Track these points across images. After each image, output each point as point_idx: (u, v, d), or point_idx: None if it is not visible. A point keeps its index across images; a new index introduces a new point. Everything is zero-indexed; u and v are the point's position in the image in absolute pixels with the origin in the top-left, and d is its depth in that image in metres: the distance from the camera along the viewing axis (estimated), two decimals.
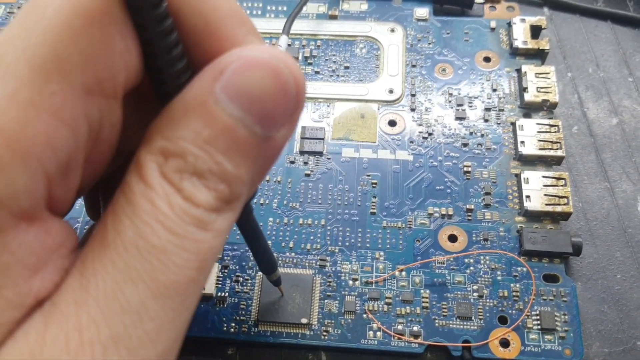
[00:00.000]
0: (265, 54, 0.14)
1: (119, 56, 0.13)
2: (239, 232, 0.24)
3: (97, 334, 0.13)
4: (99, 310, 0.13)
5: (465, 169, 0.32)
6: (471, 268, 0.29)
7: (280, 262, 0.29)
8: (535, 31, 0.35)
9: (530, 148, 0.31)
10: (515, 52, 0.35)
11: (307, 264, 0.29)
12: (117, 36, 0.13)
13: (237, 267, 0.29)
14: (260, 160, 0.15)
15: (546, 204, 0.29)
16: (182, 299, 0.14)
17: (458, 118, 0.33)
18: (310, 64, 0.36)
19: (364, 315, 0.28)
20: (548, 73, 0.33)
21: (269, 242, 0.30)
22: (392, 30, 0.37)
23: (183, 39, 0.14)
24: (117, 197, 0.14)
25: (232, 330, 0.28)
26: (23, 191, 0.12)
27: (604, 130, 0.34)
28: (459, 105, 0.34)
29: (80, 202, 0.30)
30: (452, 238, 0.30)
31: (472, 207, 0.30)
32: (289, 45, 0.36)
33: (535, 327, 0.27)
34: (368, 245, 0.30)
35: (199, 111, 0.14)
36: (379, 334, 0.27)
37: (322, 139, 0.33)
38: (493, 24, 0.36)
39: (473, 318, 0.27)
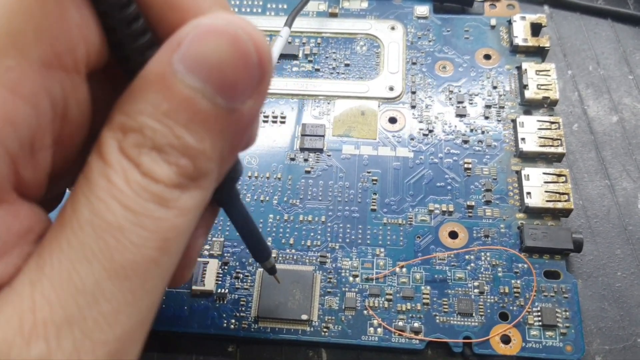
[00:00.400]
0: (222, 20, 0.13)
1: (76, 29, 0.13)
2: None
3: (51, 314, 0.12)
4: (52, 291, 0.12)
5: (465, 165, 0.32)
6: (472, 264, 0.29)
7: (280, 258, 0.29)
8: (536, 29, 0.35)
9: (530, 145, 0.31)
10: (515, 50, 0.35)
11: (307, 261, 0.29)
12: (71, 8, 0.13)
13: (237, 263, 0.29)
14: (228, 134, 0.14)
15: (547, 201, 0.29)
16: (142, 281, 0.13)
17: (458, 115, 0.33)
18: (310, 61, 0.36)
19: (365, 312, 0.28)
20: (548, 70, 0.33)
21: (269, 238, 0.30)
22: (393, 28, 0.37)
23: (145, 13, 0.14)
24: (79, 177, 0.14)
25: (232, 326, 0.27)
26: None
27: (604, 128, 0.34)
28: (459, 102, 0.34)
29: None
30: (453, 234, 0.30)
31: (473, 203, 0.30)
32: (289, 42, 0.36)
33: (537, 323, 0.27)
34: (368, 241, 0.30)
35: (157, 84, 0.13)
36: (379, 330, 0.27)
37: (323, 136, 0.33)
38: (493, 22, 0.36)
39: (474, 314, 0.27)
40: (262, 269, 0.29)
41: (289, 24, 0.34)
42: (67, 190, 0.19)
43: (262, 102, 0.15)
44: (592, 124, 0.34)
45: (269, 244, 0.30)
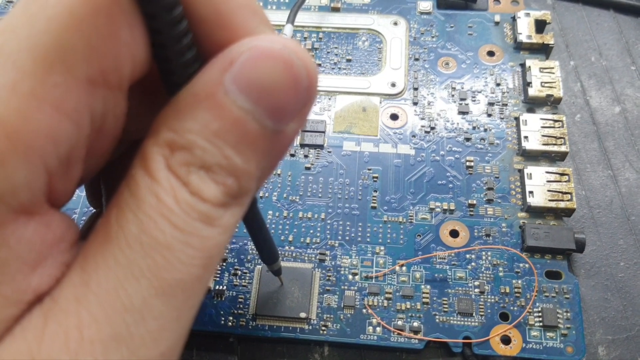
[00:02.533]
0: (277, 44, 0.13)
1: (125, 47, 0.13)
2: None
3: (98, 332, 0.12)
4: (100, 308, 0.12)
5: (467, 163, 0.31)
6: (473, 264, 0.28)
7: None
8: (540, 26, 0.35)
9: (533, 143, 0.31)
10: (519, 47, 0.35)
11: (306, 258, 0.29)
12: (123, 26, 0.13)
13: (236, 260, 0.29)
14: (271, 154, 0.14)
15: (549, 200, 0.29)
16: (187, 297, 0.13)
17: (461, 112, 0.33)
18: (312, 56, 0.35)
19: (364, 310, 0.27)
20: (552, 68, 0.33)
21: None
22: (395, 23, 0.36)
23: (193, 28, 0.14)
24: (122, 190, 0.13)
25: (230, 323, 0.27)
26: (22, 186, 0.12)
27: (606, 119, 0.34)
28: (462, 99, 0.33)
29: (77, 193, 0.30)
30: (454, 233, 0.29)
31: (475, 202, 0.30)
32: (290, 37, 0.36)
33: (537, 324, 0.27)
34: (368, 239, 0.29)
35: (207, 103, 0.13)
36: (378, 329, 0.27)
37: (323, 132, 0.33)
38: (497, 18, 0.36)
39: (474, 314, 0.27)
40: (260, 266, 0.28)
41: (291, 20, 0.33)
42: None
43: (303, 123, 0.16)
44: (594, 114, 0.34)
45: None
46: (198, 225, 0.13)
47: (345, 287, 0.28)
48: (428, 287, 0.28)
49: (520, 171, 0.31)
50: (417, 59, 0.35)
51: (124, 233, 0.13)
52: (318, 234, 0.30)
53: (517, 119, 0.32)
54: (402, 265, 0.29)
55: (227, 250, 0.29)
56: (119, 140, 0.15)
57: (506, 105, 0.33)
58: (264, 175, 0.15)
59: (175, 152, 0.13)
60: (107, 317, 0.12)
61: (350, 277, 0.28)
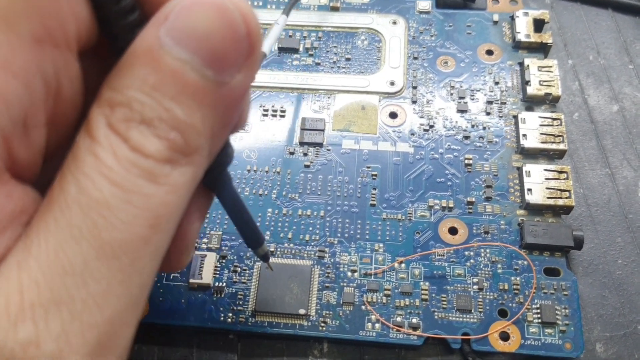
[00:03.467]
0: None
1: (65, 4, 0.13)
2: None
3: (38, 296, 0.12)
4: (40, 272, 0.12)
5: (466, 161, 0.31)
6: (471, 261, 0.29)
7: (278, 252, 0.29)
8: (538, 25, 0.35)
9: (532, 141, 0.31)
10: (518, 46, 0.35)
11: (305, 255, 0.29)
12: None
13: (235, 257, 0.29)
14: (218, 108, 0.14)
15: (548, 198, 0.29)
16: (132, 260, 0.13)
17: (460, 111, 0.33)
18: (311, 55, 0.36)
19: (363, 307, 0.27)
20: (551, 66, 0.33)
21: (268, 232, 0.30)
22: (394, 23, 0.36)
23: None
24: (67, 155, 0.13)
25: (230, 320, 0.27)
26: None
27: (604, 117, 0.34)
28: (460, 97, 0.33)
29: None
30: (453, 230, 0.30)
31: (473, 199, 0.30)
32: (290, 36, 0.36)
33: (536, 320, 0.27)
34: (367, 237, 0.29)
35: (144, 58, 0.13)
36: (377, 325, 0.27)
37: (322, 130, 0.33)
38: (496, 17, 0.36)
39: (473, 311, 0.27)
40: (260, 262, 0.28)
41: (286, 12, 0.33)
42: None
43: (252, 77, 0.15)
44: (592, 113, 0.34)
45: (268, 238, 0.29)
46: (140, 182, 0.13)
47: (345, 284, 0.28)
48: (427, 283, 0.28)
49: (519, 169, 0.31)
50: (416, 58, 0.35)
51: (64, 195, 0.13)
52: (317, 232, 0.30)
53: (515, 117, 0.32)
54: (401, 262, 0.29)
55: (226, 247, 0.29)
56: (81, 110, 0.15)
57: (505, 103, 0.33)
58: (216, 134, 0.15)
59: (115, 109, 0.13)
60: (47, 280, 0.12)
61: (349, 274, 0.28)
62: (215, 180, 0.19)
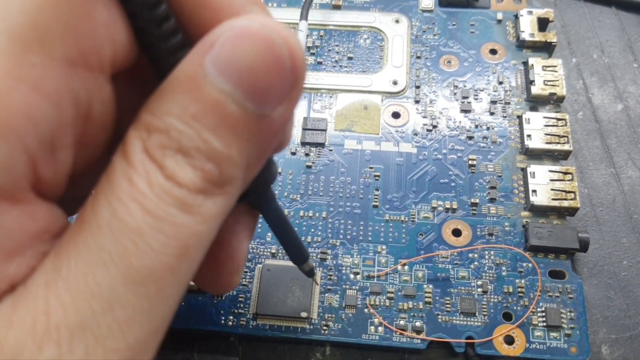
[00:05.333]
0: (256, 23, 0.13)
1: (103, 28, 0.13)
2: None
3: (65, 318, 0.12)
4: (67, 294, 0.12)
5: (470, 162, 0.31)
6: (475, 263, 0.28)
7: (279, 254, 0.29)
8: (543, 24, 0.34)
9: (536, 142, 0.31)
10: (522, 45, 0.34)
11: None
12: (99, 7, 0.12)
13: None
14: (256, 140, 0.14)
15: (553, 199, 0.29)
16: (159, 288, 0.13)
17: (463, 111, 0.33)
18: (313, 54, 0.35)
19: (365, 310, 0.27)
20: (555, 66, 0.33)
21: (269, 234, 0.29)
22: (397, 21, 0.36)
23: (177, 12, 0.14)
24: (102, 177, 0.13)
25: (230, 323, 0.27)
26: (0, 166, 0.12)
27: (609, 116, 0.34)
28: (464, 97, 0.33)
29: None
30: (456, 232, 0.29)
31: (477, 201, 0.30)
32: None
33: (541, 324, 0.26)
34: (370, 238, 0.29)
35: (186, 85, 0.13)
36: (380, 329, 0.27)
37: (324, 130, 0.32)
38: (500, 16, 0.36)
39: (477, 314, 0.27)
40: (261, 265, 0.28)
41: (304, 16, 0.33)
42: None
43: (293, 109, 0.15)
44: (596, 112, 0.34)
45: (268, 239, 0.29)
46: (172, 211, 0.13)
47: (347, 287, 0.28)
48: (430, 286, 0.28)
49: (524, 170, 0.30)
50: (419, 57, 0.35)
51: (96, 218, 0.12)
52: (319, 233, 0.29)
53: (520, 117, 0.32)
54: (404, 265, 0.28)
55: None
56: (113, 131, 0.15)
57: (509, 103, 0.33)
58: (252, 165, 0.15)
59: (152, 134, 0.13)
60: (74, 303, 0.12)
61: (352, 276, 0.28)
62: (259, 199, 0.19)
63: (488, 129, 0.32)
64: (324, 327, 0.27)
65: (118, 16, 0.13)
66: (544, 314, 0.27)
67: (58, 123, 0.12)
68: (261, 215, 0.21)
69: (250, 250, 0.29)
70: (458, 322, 0.27)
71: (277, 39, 0.13)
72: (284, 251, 0.28)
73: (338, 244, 0.29)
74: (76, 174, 0.15)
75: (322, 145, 0.32)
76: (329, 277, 0.28)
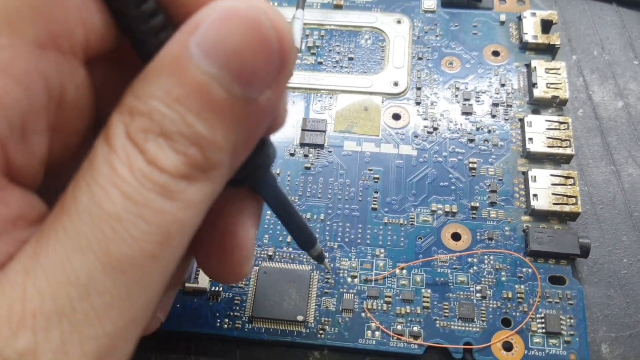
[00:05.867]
0: (242, 3, 0.12)
1: (75, 11, 0.12)
2: None
3: (41, 305, 0.12)
4: (45, 280, 0.12)
5: (470, 165, 0.31)
6: (474, 268, 0.28)
7: (277, 257, 0.28)
8: (546, 26, 0.34)
9: (538, 145, 0.30)
10: (525, 47, 0.34)
11: (304, 260, 0.28)
12: None
13: None
14: (243, 125, 0.13)
15: (554, 204, 0.28)
16: (138, 276, 0.12)
17: (464, 113, 0.32)
18: (313, 54, 0.35)
19: (363, 314, 0.27)
20: (558, 69, 0.32)
21: (266, 236, 0.29)
22: (399, 22, 0.36)
23: None
24: (83, 161, 0.13)
25: (226, 326, 0.27)
26: None
27: (609, 114, 0.33)
28: (465, 99, 0.33)
29: None
30: (456, 236, 0.29)
31: (477, 204, 0.29)
32: None
33: (540, 330, 0.26)
34: (368, 241, 0.29)
35: (171, 67, 0.12)
36: (377, 333, 0.26)
37: (324, 131, 0.32)
38: (503, 18, 0.35)
39: (475, 319, 0.27)
40: (258, 267, 0.28)
41: (301, 5, 0.33)
42: None
43: (281, 93, 0.14)
44: (597, 109, 0.33)
45: (265, 241, 0.29)
46: (153, 197, 0.12)
47: (344, 290, 0.27)
48: (429, 291, 0.27)
49: (525, 174, 0.30)
50: (420, 58, 0.34)
51: (75, 203, 0.12)
52: (317, 235, 0.29)
53: (521, 120, 0.31)
54: (403, 269, 0.28)
55: None
56: (91, 118, 0.15)
57: (511, 106, 0.32)
58: (239, 150, 0.14)
59: (135, 117, 0.12)
60: (51, 290, 0.12)
61: (349, 279, 0.28)
62: (258, 183, 0.19)
63: (489, 131, 0.32)
64: (320, 331, 0.26)
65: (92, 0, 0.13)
66: (543, 320, 0.26)
67: (29, 107, 0.12)
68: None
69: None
70: (456, 327, 0.26)
71: (264, 20, 0.12)
72: (285, 247, 0.28)
73: (336, 246, 0.29)
74: (55, 162, 0.14)
75: (321, 146, 0.32)
76: (326, 280, 0.28)
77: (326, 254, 0.28)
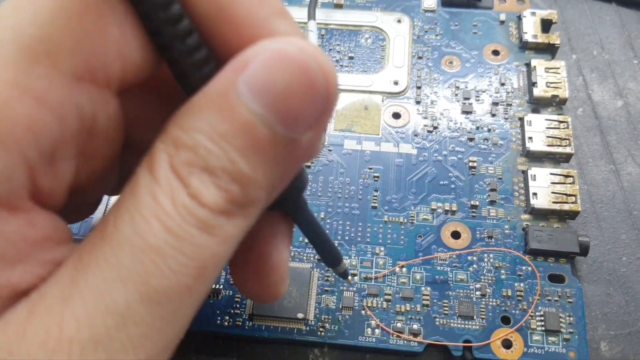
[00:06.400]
0: (294, 47, 0.13)
1: (114, 45, 0.13)
2: None
3: (78, 332, 0.12)
4: (83, 308, 0.12)
5: (470, 164, 0.31)
6: (474, 266, 0.28)
7: None
8: (546, 25, 0.34)
9: (538, 144, 0.30)
10: (524, 46, 0.34)
11: (305, 258, 0.28)
12: (112, 24, 0.12)
13: None
14: (282, 164, 0.14)
15: (553, 202, 0.29)
16: (174, 308, 0.13)
17: (464, 112, 0.32)
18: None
19: (362, 312, 0.27)
20: (558, 68, 0.32)
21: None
22: (399, 21, 0.36)
23: (199, 26, 0.13)
24: (125, 188, 0.13)
25: (226, 323, 0.27)
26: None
27: (609, 113, 0.33)
28: (465, 98, 0.33)
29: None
30: (456, 235, 0.29)
31: (477, 203, 0.29)
32: None
33: (539, 328, 0.26)
34: (368, 240, 0.29)
35: (218, 103, 0.13)
36: (377, 331, 0.26)
37: (324, 130, 0.32)
38: (503, 17, 0.35)
39: (475, 317, 0.27)
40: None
41: (312, 15, 0.33)
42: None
43: (322, 134, 0.15)
44: (596, 108, 0.33)
45: None
46: (194, 232, 0.13)
47: (344, 288, 0.28)
48: (428, 289, 0.27)
49: (524, 172, 0.30)
50: (420, 57, 0.34)
51: (118, 233, 0.12)
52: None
53: (521, 119, 0.32)
54: (403, 267, 0.28)
55: None
56: (120, 144, 0.15)
57: (510, 105, 0.32)
58: (276, 187, 0.15)
59: (180, 150, 0.13)
60: (89, 318, 0.12)
61: (349, 277, 0.28)
62: (292, 207, 0.19)
63: (489, 130, 0.32)
64: (321, 329, 0.27)
65: (132, 34, 0.13)
66: (542, 318, 0.26)
67: (60, 135, 0.12)
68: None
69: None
70: (456, 325, 0.27)
71: (313, 64, 0.13)
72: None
73: (336, 245, 0.29)
74: (80, 185, 0.15)
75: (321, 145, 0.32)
76: (326, 278, 0.28)
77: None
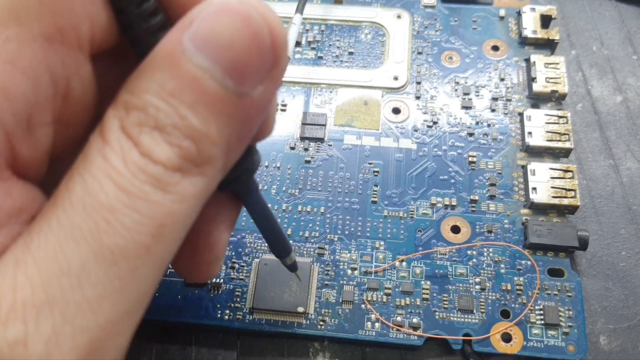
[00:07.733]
0: (235, 0, 0.13)
1: (81, 5, 0.13)
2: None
3: (32, 295, 0.12)
4: (36, 270, 0.12)
5: (470, 159, 0.31)
6: (474, 260, 0.28)
7: None
8: (545, 21, 0.34)
9: (537, 139, 0.30)
10: (524, 42, 0.34)
11: (305, 252, 0.28)
12: None
13: (233, 253, 0.28)
14: (236, 120, 0.14)
15: (553, 197, 0.29)
16: (132, 268, 0.12)
17: (464, 107, 0.32)
18: (314, 49, 0.35)
19: (362, 306, 0.27)
20: (558, 63, 0.32)
21: None
22: (399, 17, 0.36)
23: None
24: (78, 155, 0.13)
25: (227, 317, 0.27)
26: None
27: (608, 108, 0.33)
28: (465, 94, 0.33)
29: None
30: (455, 229, 0.29)
31: (477, 198, 0.30)
32: None
33: (539, 322, 0.26)
34: (368, 234, 0.29)
35: (165, 62, 0.13)
36: (377, 325, 0.27)
37: (324, 125, 0.32)
38: (502, 13, 0.35)
39: (475, 311, 0.27)
40: (258, 260, 0.28)
41: (300, 10, 0.33)
42: None
43: (274, 89, 0.14)
44: (596, 103, 0.34)
45: None
46: (147, 189, 0.12)
47: (344, 282, 0.28)
48: (428, 283, 0.27)
49: (524, 167, 0.30)
50: (420, 53, 0.35)
51: (69, 194, 0.12)
52: (317, 228, 0.29)
53: (521, 114, 0.32)
54: (402, 261, 0.28)
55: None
56: (94, 112, 0.15)
57: (510, 100, 0.33)
58: (232, 146, 0.14)
59: (130, 112, 0.13)
60: (43, 280, 0.12)
61: (349, 272, 0.28)
62: (242, 188, 0.19)
63: (489, 125, 0.32)
64: (321, 323, 0.27)
65: None
66: (542, 312, 0.26)
67: (35, 99, 0.12)
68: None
69: (248, 245, 0.29)
70: (455, 319, 0.27)
71: (255, 15, 0.13)
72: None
73: (336, 239, 0.29)
74: (58, 155, 0.14)
75: (321, 140, 0.32)
76: (326, 272, 0.28)
77: (326, 246, 0.28)
